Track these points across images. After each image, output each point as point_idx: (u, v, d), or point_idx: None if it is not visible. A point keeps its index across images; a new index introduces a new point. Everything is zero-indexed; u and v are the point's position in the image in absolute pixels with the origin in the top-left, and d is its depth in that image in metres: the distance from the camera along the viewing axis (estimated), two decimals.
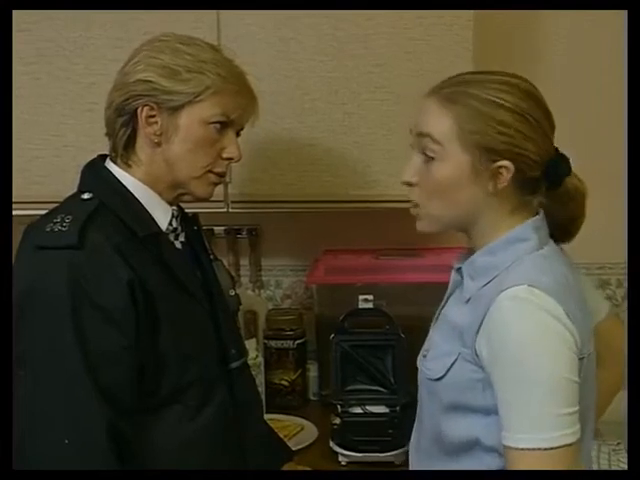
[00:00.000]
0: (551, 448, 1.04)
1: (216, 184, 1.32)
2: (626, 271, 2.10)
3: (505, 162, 1.12)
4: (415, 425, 1.31)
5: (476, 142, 1.12)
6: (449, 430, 1.17)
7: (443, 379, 1.16)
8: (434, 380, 1.18)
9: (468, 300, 1.17)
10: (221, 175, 1.31)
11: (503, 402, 1.09)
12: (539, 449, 1.04)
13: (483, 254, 1.18)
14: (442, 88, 1.16)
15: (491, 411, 1.11)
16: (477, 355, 1.12)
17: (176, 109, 1.24)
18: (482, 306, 1.11)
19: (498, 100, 1.12)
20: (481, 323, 1.11)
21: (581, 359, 1.10)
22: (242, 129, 1.33)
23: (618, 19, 1.81)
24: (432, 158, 1.15)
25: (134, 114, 1.25)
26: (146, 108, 1.24)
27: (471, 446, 1.16)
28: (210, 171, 1.29)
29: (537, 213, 1.19)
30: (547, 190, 1.18)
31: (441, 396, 1.18)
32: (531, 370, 1.06)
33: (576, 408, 1.07)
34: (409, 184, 1.19)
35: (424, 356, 1.23)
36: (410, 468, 1.31)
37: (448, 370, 1.16)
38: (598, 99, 2.02)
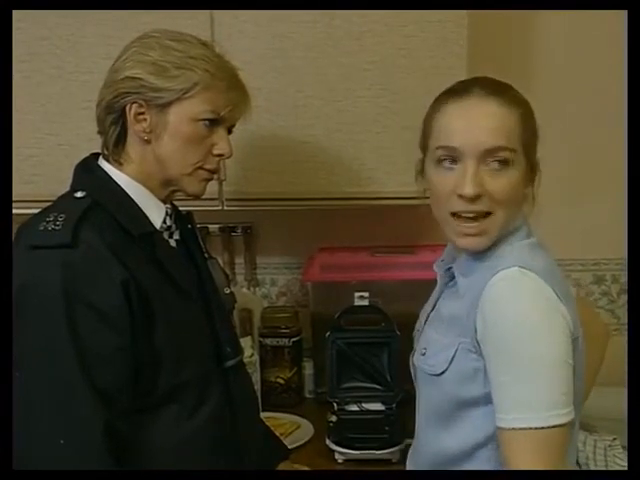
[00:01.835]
0: (542, 428, 1.05)
1: (208, 180, 1.32)
2: (623, 267, 2.10)
3: (537, 156, 1.17)
4: (416, 431, 1.30)
5: (531, 144, 1.16)
6: (455, 431, 1.17)
7: (446, 372, 1.16)
8: (437, 375, 1.18)
9: (463, 295, 1.17)
10: (212, 172, 1.31)
11: (497, 383, 1.10)
12: (530, 428, 1.05)
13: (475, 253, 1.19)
14: (498, 93, 1.15)
15: (490, 400, 1.12)
16: (477, 342, 1.12)
17: (165, 106, 1.23)
18: (476, 294, 1.12)
19: (525, 103, 1.17)
20: (477, 308, 1.11)
21: (574, 340, 1.11)
22: (234, 125, 1.33)
23: (615, 18, 1.82)
24: (505, 165, 1.13)
25: (123, 111, 1.24)
26: (135, 105, 1.24)
27: (480, 445, 1.16)
28: (201, 168, 1.28)
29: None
30: None
31: (444, 390, 1.17)
32: (526, 349, 1.07)
33: (570, 389, 1.07)
34: (476, 197, 1.13)
35: (423, 354, 1.23)
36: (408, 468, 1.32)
37: (450, 362, 1.15)
38: (595, 95, 2.02)
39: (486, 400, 1.13)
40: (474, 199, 1.13)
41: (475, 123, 1.12)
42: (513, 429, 1.07)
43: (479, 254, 1.18)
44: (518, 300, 1.09)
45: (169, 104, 1.23)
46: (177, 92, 1.22)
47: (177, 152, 1.26)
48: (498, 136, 1.12)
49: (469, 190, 1.12)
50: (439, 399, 1.19)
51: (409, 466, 1.33)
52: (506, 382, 1.08)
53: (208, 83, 1.23)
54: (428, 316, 1.29)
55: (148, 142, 1.25)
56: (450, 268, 1.23)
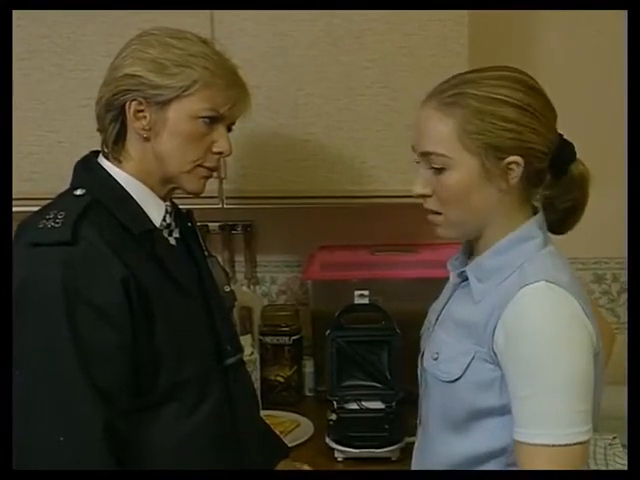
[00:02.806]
0: (567, 445, 1.04)
1: (207, 178, 1.31)
2: (624, 266, 2.10)
3: (515, 157, 1.11)
4: (419, 434, 1.29)
5: (482, 143, 1.10)
6: (468, 439, 1.16)
7: (460, 379, 1.15)
8: (450, 382, 1.16)
9: (479, 301, 1.15)
10: (212, 169, 1.30)
11: (517, 397, 1.08)
12: (554, 445, 1.04)
13: (490, 256, 1.17)
14: (439, 93, 1.14)
15: (507, 411, 1.11)
16: (494, 352, 1.11)
17: (164, 103, 1.23)
18: (499, 304, 1.11)
19: (498, 96, 1.10)
20: (498, 320, 1.10)
21: (596, 355, 1.10)
22: (234, 123, 1.33)
23: (614, 17, 1.82)
24: (441, 169, 1.13)
25: (123, 109, 1.24)
26: (134, 103, 1.23)
27: (494, 454, 1.15)
28: (200, 165, 1.28)
29: (536, 209, 1.19)
30: (553, 179, 1.17)
31: (458, 398, 1.16)
32: (549, 366, 1.06)
33: (590, 405, 1.07)
34: (423, 196, 1.17)
35: (434, 359, 1.20)
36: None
37: (465, 370, 1.14)
38: (595, 95, 2.02)
39: (502, 410, 1.12)
40: (425, 198, 1.17)
41: (416, 126, 1.16)
42: (532, 444, 1.06)
43: (494, 260, 1.16)
44: (544, 317, 1.08)
45: (169, 102, 1.23)
46: (176, 90, 1.22)
47: (176, 150, 1.25)
48: (427, 141, 1.14)
49: (414, 189, 1.17)
50: (453, 406, 1.17)
51: (416, 469, 1.31)
52: (527, 396, 1.07)
53: (208, 81, 1.23)
54: (438, 316, 1.26)
55: (147, 140, 1.25)
56: (464, 271, 1.21)
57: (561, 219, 1.20)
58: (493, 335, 1.11)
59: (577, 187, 1.18)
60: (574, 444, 1.05)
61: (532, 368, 1.07)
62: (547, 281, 1.09)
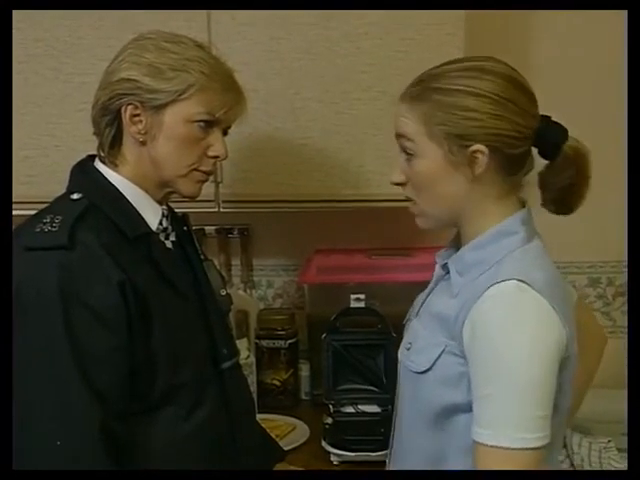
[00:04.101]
0: (521, 449, 1.04)
1: (203, 182, 1.31)
2: (619, 270, 2.11)
3: (478, 146, 1.12)
4: (394, 424, 1.30)
5: (444, 133, 1.13)
6: (437, 434, 1.16)
7: (429, 372, 1.15)
8: (419, 373, 1.17)
9: (456, 295, 1.16)
10: (208, 173, 1.30)
11: (477, 396, 1.09)
12: (500, 447, 1.04)
13: (471, 249, 1.17)
14: (409, 88, 1.18)
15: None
16: (464, 347, 1.11)
17: (160, 108, 1.23)
18: (470, 299, 1.11)
19: (459, 87, 1.13)
20: (466, 315, 1.11)
21: (566, 358, 1.10)
22: (229, 127, 1.33)
23: (613, 18, 1.82)
24: (411, 155, 1.16)
25: (118, 113, 1.24)
26: (130, 107, 1.24)
27: (463, 452, 1.14)
28: (196, 169, 1.28)
29: (523, 203, 1.19)
30: (546, 160, 1.17)
31: (427, 391, 1.16)
32: (509, 367, 1.05)
33: (548, 412, 1.06)
34: (398, 184, 1.21)
35: (407, 349, 1.22)
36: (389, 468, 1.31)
37: (434, 362, 1.15)
38: (594, 98, 2.02)
39: (469, 407, 1.11)
40: (403, 185, 1.21)
41: (395, 120, 1.19)
42: (484, 444, 1.06)
43: (473, 254, 1.16)
44: (507, 318, 1.08)
45: (164, 106, 1.23)
46: (172, 94, 1.22)
47: (172, 154, 1.26)
48: (399, 126, 1.18)
49: (392, 177, 1.21)
50: (422, 399, 1.18)
51: (391, 467, 1.31)
52: (485, 397, 1.07)
53: (203, 85, 1.23)
54: (420, 307, 1.27)
55: (143, 144, 1.25)
56: (446, 264, 1.22)
57: (560, 198, 1.19)
58: (462, 329, 1.11)
59: (572, 164, 1.17)
60: (528, 449, 1.04)
61: (492, 369, 1.07)
62: (519, 280, 1.08)
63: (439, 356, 1.14)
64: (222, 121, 1.28)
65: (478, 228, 1.17)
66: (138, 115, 1.24)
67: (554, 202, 1.19)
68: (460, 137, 1.12)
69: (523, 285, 1.08)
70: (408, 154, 1.17)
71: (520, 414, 1.05)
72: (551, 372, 1.07)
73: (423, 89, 1.15)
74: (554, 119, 1.17)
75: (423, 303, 1.27)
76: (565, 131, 1.17)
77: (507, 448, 1.04)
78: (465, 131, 1.12)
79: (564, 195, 1.18)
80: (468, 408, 1.11)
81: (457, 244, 1.24)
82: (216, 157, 1.29)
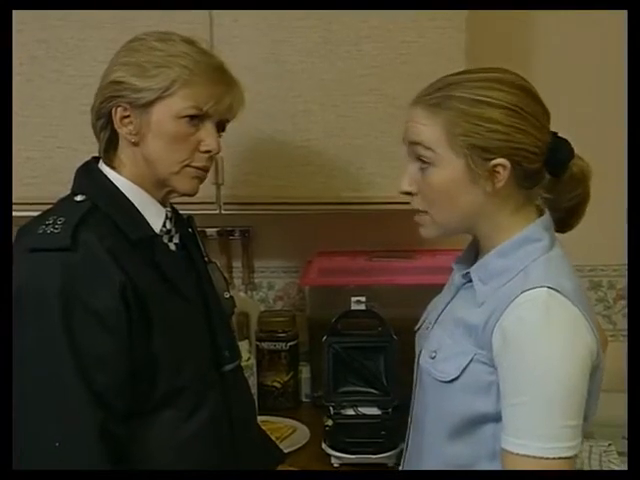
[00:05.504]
0: (553, 459, 1.03)
1: (200, 178, 1.30)
2: (620, 273, 2.11)
3: (500, 160, 1.10)
4: (410, 431, 1.28)
5: (467, 144, 1.10)
6: (463, 442, 1.15)
7: (456, 381, 1.14)
8: (446, 382, 1.15)
9: (482, 304, 1.14)
10: (202, 169, 1.28)
11: (507, 404, 1.08)
12: (539, 458, 1.03)
13: (494, 257, 1.16)
14: (427, 95, 1.14)
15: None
16: (492, 355, 1.10)
17: (147, 106, 1.23)
18: (499, 307, 1.10)
19: (483, 98, 1.11)
20: (496, 323, 1.09)
21: (596, 367, 1.09)
22: (227, 122, 1.31)
23: (614, 19, 1.82)
24: (427, 165, 1.13)
25: (110, 116, 1.25)
26: (119, 109, 1.23)
27: (489, 459, 1.14)
28: (189, 165, 1.26)
29: (542, 210, 1.18)
30: (553, 178, 1.16)
31: (453, 400, 1.15)
32: (543, 376, 1.04)
33: (579, 421, 1.06)
34: (408, 193, 1.18)
35: (432, 357, 1.19)
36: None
37: (463, 371, 1.13)
38: (594, 99, 2.02)
39: (498, 417, 1.10)
40: (411, 195, 1.17)
41: (406, 123, 1.16)
42: (514, 453, 1.05)
43: (498, 262, 1.15)
44: (542, 326, 1.06)
45: (151, 104, 1.23)
46: (156, 91, 1.22)
47: (163, 151, 1.25)
48: (416, 133, 1.14)
49: (400, 186, 1.18)
50: (448, 408, 1.16)
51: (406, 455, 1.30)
52: (516, 405, 1.06)
53: (186, 79, 1.22)
54: (439, 315, 1.25)
55: (136, 144, 1.25)
56: (468, 272, 1.20)
57: (564, 218, 1.19)
58: (491, 337, 1.10)
59: (579, 184, 1.17)
60: (559, 458, 1.03)
61: (524, 377, 1.06)
62: (549, 288, 1.07)
63: (467, 365, 1.13)
64: (212, 114, 1.26)
65: (497, 237, 1.16)
66: (128, 116, 1.24)
67: (557, 222, 1.19)
68: (484, 150, 1.10)
69: (554, 292, 1.07)
70: (424, 162, 1.14)
71: (552, 423, 1.04)
72: (583, 380, 1.06)
73: (444, 97, 1.12)
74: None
75: (443, 311, 1.25)
76: (572, 148, 1.17)
77: (538, 457, 1.03)
78: (489, 144, 1.10)
79: (570, 215, 1.19)
80: (495, 417, 1.11)
81: (474, 251, 1.23)
82: (208, 152, 1.27)
